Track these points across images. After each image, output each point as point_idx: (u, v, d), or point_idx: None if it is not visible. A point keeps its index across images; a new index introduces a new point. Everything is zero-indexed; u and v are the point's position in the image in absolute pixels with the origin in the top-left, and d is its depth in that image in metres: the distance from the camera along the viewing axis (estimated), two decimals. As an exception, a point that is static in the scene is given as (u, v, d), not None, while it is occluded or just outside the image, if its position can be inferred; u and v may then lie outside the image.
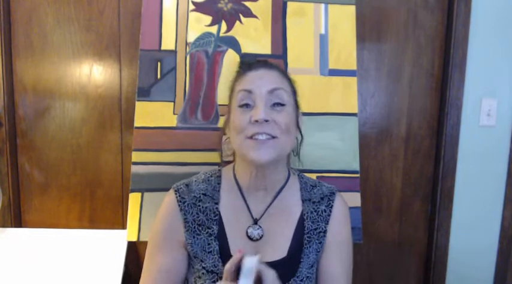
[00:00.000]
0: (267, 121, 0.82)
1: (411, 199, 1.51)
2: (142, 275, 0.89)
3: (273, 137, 0.82)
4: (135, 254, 1.35)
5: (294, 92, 0.92)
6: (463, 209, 1.49)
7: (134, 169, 1.13)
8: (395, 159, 1.48)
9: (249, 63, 0.94)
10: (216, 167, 0.99)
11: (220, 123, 1.16)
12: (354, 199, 1.19)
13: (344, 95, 1.20)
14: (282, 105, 0.85)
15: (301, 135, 0.94)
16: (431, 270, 1.51)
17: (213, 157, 1.16)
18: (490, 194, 1.51)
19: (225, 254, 0.86)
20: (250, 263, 0.72)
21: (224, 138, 1.09)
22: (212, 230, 0.87)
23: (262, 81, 0.86)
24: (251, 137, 0.82)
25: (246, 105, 0.85)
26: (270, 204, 0.91)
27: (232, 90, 0.92)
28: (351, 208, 0.98)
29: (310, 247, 0.89)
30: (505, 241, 1.52)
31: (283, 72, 0.93)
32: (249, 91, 0.85)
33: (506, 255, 1.53)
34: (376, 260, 1.52)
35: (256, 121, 0.82)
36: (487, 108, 1.45)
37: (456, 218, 1.49)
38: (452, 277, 1.52)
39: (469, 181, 1.48)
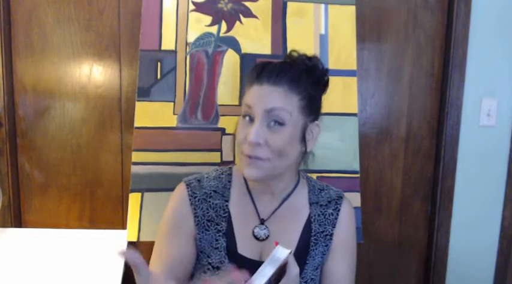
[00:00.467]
0: (259, 144, 0.81)
1: (411, 199, 1.51)
2: (149, 266, 0.88)
3: (263, 159, 0.81)
4: (135, 254, 1.35)
5: (307, 106, 0.85)
6: (463, 209, 1.49)
7: (134, 169, 1.13)
8: (395, 159, 1.48)
9: (259, 70, 0.85)
10: (216, 167, 1.00)
11: (222, 123, 1.16)
12: (354, 199, 1.19)
13: (344, 95, 1.20)
14: (281, 124, 0.82)
15: (305, 148, 0.88)
16: (431, 270, 1.51)
17: (213, 157, 1.16)
18: (490, 194, 1.51)
19: (231, 251, 0.87)
20: (280, 254, 0.72)
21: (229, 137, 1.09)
22: (221, 227, 0.88)
23: (262, 98, 0.82)
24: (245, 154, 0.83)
25: (249, 117, 0.84)
26: (278, 207, 0.91)
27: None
28: (351, 208, 0.98)
29: (316, 249, 0.90)
30: (505, 241, 1.52)
31: (296, 84, 0.83)
32: (250, 107, 0.84)
33: (506, 255, 1.53)
34: (376, 260, 1.52)
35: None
36: (487, 108, 1.45)
37: (456, 218, 1.49)
38: (452, 277, 1.52)
39: (469, 181, 1.48)
